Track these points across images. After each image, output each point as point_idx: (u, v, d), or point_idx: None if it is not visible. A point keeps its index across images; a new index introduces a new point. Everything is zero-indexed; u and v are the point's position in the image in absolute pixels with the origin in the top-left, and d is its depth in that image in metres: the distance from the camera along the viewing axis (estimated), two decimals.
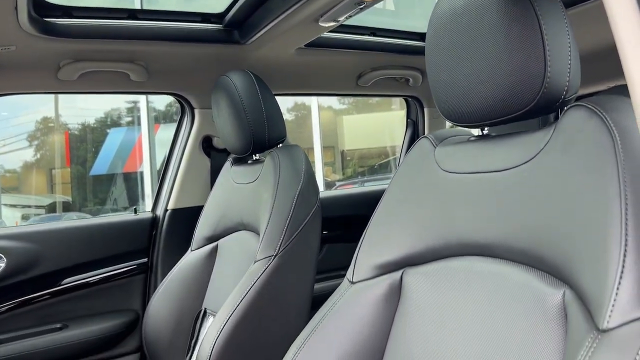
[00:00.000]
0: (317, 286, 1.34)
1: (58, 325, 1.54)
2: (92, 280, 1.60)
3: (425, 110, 2.08)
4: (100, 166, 6.59)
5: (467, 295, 0.78)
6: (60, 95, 6.53)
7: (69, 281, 1.57)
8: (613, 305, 0.55)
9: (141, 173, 6.18)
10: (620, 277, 0.56)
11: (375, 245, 0.94)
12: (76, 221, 2.05)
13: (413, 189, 0.92)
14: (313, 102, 7.48)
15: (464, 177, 0.83)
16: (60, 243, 1.56)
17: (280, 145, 1.42)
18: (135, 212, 1.72)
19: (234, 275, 1.34)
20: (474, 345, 0.74)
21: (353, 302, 0.91)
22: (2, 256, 1.47)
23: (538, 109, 0.74)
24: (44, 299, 1.54)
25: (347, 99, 8.49)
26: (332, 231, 1.90)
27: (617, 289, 0.55)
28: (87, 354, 1.55)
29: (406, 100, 2.11)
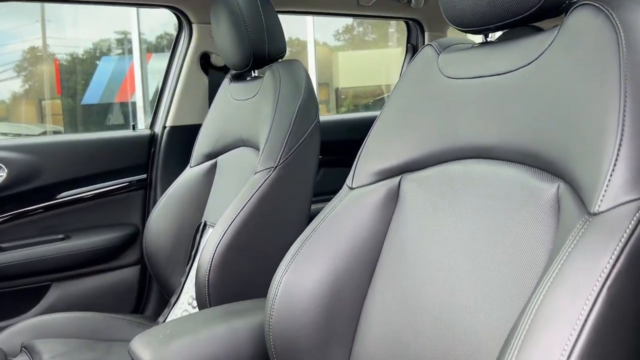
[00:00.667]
0: (313, 207, 1.37)
1: (60, 236, 1.57)
2: (92, 194, 1.62)
3: (426, 34, 2.06)
4: (91, 95, 6.49)
5: (463, 197, 0.81)
6: (47, 25, 6.35)
7: (70, 194, 1.59)
8: (605, 190, 0.58)
9: (133, 104, 6.12)
10: (614, 165, 0.58)
11: (375, 153, 0.96)
12: (76, 135, 2.05)
13: (415, 96, 0.93)
14: (309, 37, 7.32)
15: (467, 82, 0.84)
16: (60, 156, 1.58)
17: (280, 60, 1.41)
18: (134, 128, 1.73)
19: (233, 189, 1.36)
20: (467, 242, 0.77)
21: (351, 206, 0.94)
22: (3, 166, 1.48)
23: (544, 10, 0.74)
24: (45, 210, 1.57)
25: (343, 35, 8.31)
26: (329, 155, 1.92)
27: (611, 175, 0.58)
28: (88, 264, 1.60)
29: (407, 24, 2.08)
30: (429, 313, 0.77)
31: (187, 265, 1.45)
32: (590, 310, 0.50)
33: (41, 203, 1.56)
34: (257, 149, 1.34)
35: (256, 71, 1.48)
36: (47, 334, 1.36)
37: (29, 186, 1.53)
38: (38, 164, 1.54)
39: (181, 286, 1.43)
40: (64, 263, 1.54)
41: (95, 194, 1.63)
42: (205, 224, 1.47)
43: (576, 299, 0.51)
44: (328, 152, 1.87)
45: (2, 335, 1.34)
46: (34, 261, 1.50)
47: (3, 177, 1.48)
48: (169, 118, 1.72)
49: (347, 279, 0.88)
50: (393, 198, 0.92)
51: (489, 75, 0.80)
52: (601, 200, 0.58)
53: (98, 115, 6.62)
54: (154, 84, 5.93)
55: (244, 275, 1.20)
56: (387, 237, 0.91)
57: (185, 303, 1.38)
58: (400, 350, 0.78)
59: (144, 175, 1.70)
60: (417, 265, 0.82)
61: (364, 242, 0.90)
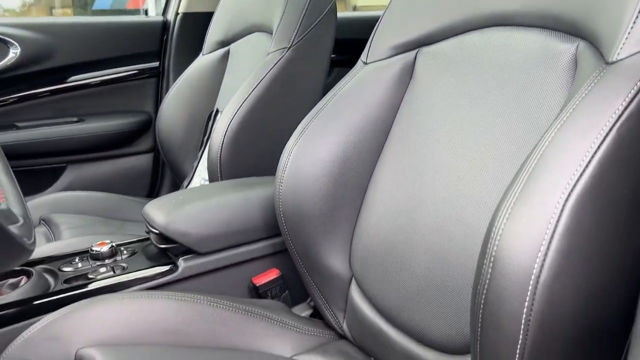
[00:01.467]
0: None
1: (74, 119, 1.59)
2: (105, 79, 1.62)
3: None
4: (102, 1, 6.34)
5: (478, 68, 0.80)
6: None
7: (83, 77, 1.60)
8: (626, 39, 0.57)
9: (146, 10, 5.99)
10: (637, 15, 0.56)
11: (392, 27, 0.94)
12: (88, 18, 2.02)
13: None
14: None
15: None
16: (73, 37, 1.56)
17: None
18: (146, 13, 1.70)
19: (246, 75, 1.35)
20: (480, 112, 0.76)
21: (365, 81, 0.93)
22: (16, 44, 1.47)
23: None
24: (58, 92, 1.57)
25: None
26: (343, 54, 1.88)
27: (634, 22, 0.56)
28: (102, 149, 1.62)
29: None
30: (436, 184, 0.78)
31: (200, 150, 1.47)
32: (599, 146, 0.50)
33: (54, 85, 1.56)
34: (271, 33, 1.32)
35: None
36: (64, 209, 1.41)
37: (42, 66, 1.53)
38: (51, 44, 1.53)
39: (194, 170, 1.45)
40: (78, 145, 1.57)
41: (108, 79, 1.63)
42: (217, 111, 1.48)
43: (586, 136, 0.51)
44: (343, 50, 1.83)
45: None
46: (48, 141, 1.53)
47: (17, 55, 1.47)
48: (181, 4, 1.68)
49: (356, 152, 0.89)
50: (408, 73, 0.91)
51: None
52: (620, 49, 0.57)
53: None
54: None
55: (255, 153, 1.21)
56: (399, 112, 0.91)
57: (197, 185, 1.41)
58: (405, 219, 0.80)
59: (157, 63, 1.69)
60: (427, 138, 0.82)
61: (375, 116, 0.90)
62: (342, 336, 0.92)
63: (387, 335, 0.80)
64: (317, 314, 0.98)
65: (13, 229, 0.50)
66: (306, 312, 0.99)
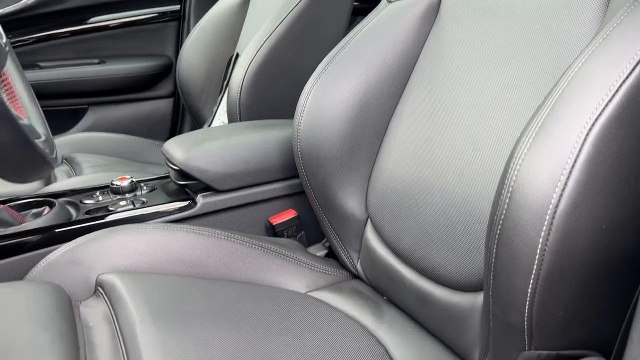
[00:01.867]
0: None
1: (95, 61, 1.59)
2: (126, 21, 1.62)
3: None
4: None
5: (505, 7, 0.77)
6: None
7: (103, 19, 1.59)
8: None
9: None
10: None
11: None
12: None
13: None
14: None
15: None
16: None
17: None
18: None
19: (267, 18, 1.33)
20: (505, 53, 0.74)
21: (389, 19, 0.91)
22: None
23: None
24: (79, 33, 1.57)
25: None
26: (366, 2, 1.84)
27: None
28: (124, 91, 1.63)
29: None
30: (456, 123, 0.77)
31: (220, 94, 1.47)
32: (628, 75, 0.49)
33: (75, 25, 1.56)
34: None
35: None
36: (86, 149, 1.43)
37: (63, 6, 1.52)
38: None
39: (213, 114, 1.46)
40: (99, 87, 1.58)
41: (128, 21, 1.62)
42: (237, 55, 1.46)
43: (615, 65, 0.50)
44: None
45: None
46: (70, 81, 1.54)
47: None
48: None
49: (376, 92, 0.88)
50: (433, 12, 0.89)
51: None
52: None
53: None
54: None
55: (275, 96, 1.20)
56: (422, 52, 0.89)
57: None
58: (422, 158, 0.79)
59: (178, 6, 1.67)
60: (450, 77, 0.81)
61: (398, 56, 0.89)
62: (355, 276, 0.93)
63: (400, 273, 0.81)
64: (331, 255, 0.99)
65: (36, 142, 0.51)
66: (321, 253, 1.01)
